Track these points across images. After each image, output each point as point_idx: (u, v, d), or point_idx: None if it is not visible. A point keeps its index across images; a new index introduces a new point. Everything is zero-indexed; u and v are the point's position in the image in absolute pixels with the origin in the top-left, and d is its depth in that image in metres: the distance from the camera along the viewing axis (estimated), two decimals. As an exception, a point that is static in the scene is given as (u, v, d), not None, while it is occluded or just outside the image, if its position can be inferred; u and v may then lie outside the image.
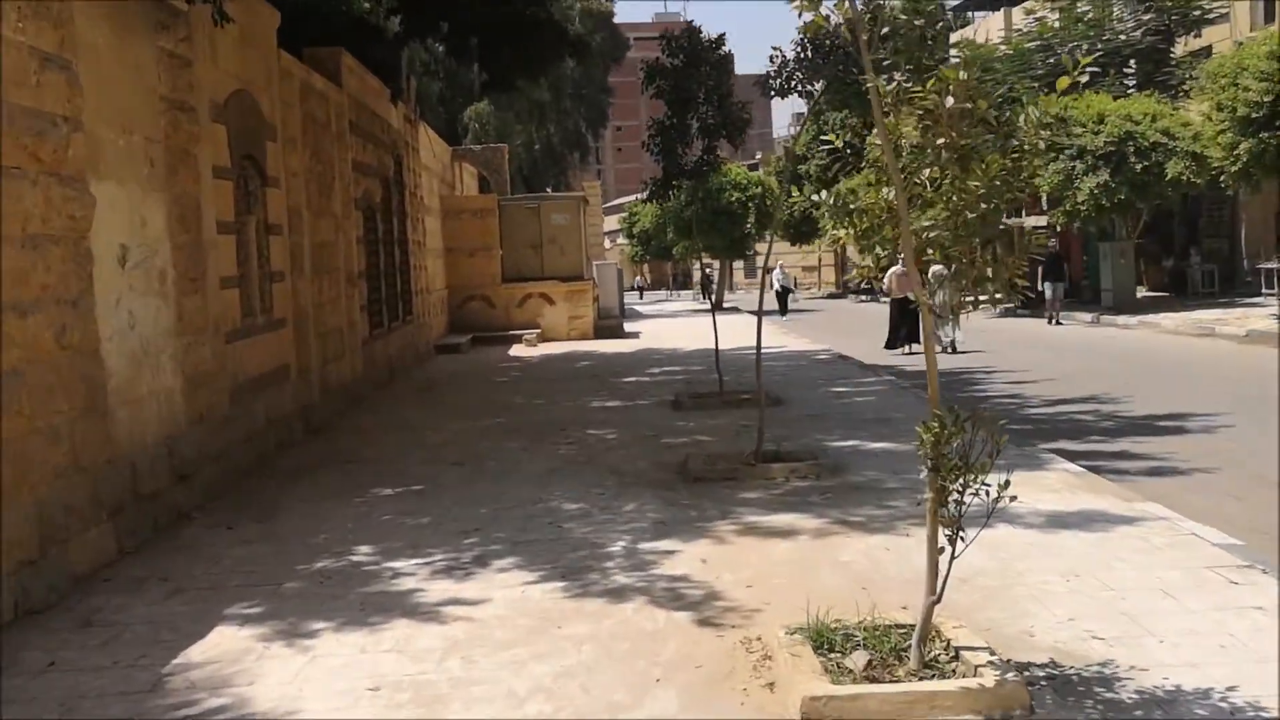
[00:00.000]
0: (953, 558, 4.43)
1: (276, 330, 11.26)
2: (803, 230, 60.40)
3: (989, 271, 4.16)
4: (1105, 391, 13.70)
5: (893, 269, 25.28)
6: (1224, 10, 31.73)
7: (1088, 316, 27.60)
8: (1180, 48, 32.30)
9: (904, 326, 21.02)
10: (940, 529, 4.46)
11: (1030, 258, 4.32)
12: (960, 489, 4.33)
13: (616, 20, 61.53)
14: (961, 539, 4.42)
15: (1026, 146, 4.10)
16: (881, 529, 6.83)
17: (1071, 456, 9.31)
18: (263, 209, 11.04)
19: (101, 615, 5.86)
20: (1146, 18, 31.55)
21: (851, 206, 4.41)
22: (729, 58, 12.01)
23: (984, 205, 4.06)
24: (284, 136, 11.83)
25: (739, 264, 71.30)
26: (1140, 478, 8.79)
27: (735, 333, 27.32)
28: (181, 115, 8.69)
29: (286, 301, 11.64)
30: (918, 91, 4.16)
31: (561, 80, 49.59)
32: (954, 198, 4.11)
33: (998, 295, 4.26)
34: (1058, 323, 26.53)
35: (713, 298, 48.10)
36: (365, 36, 17.88)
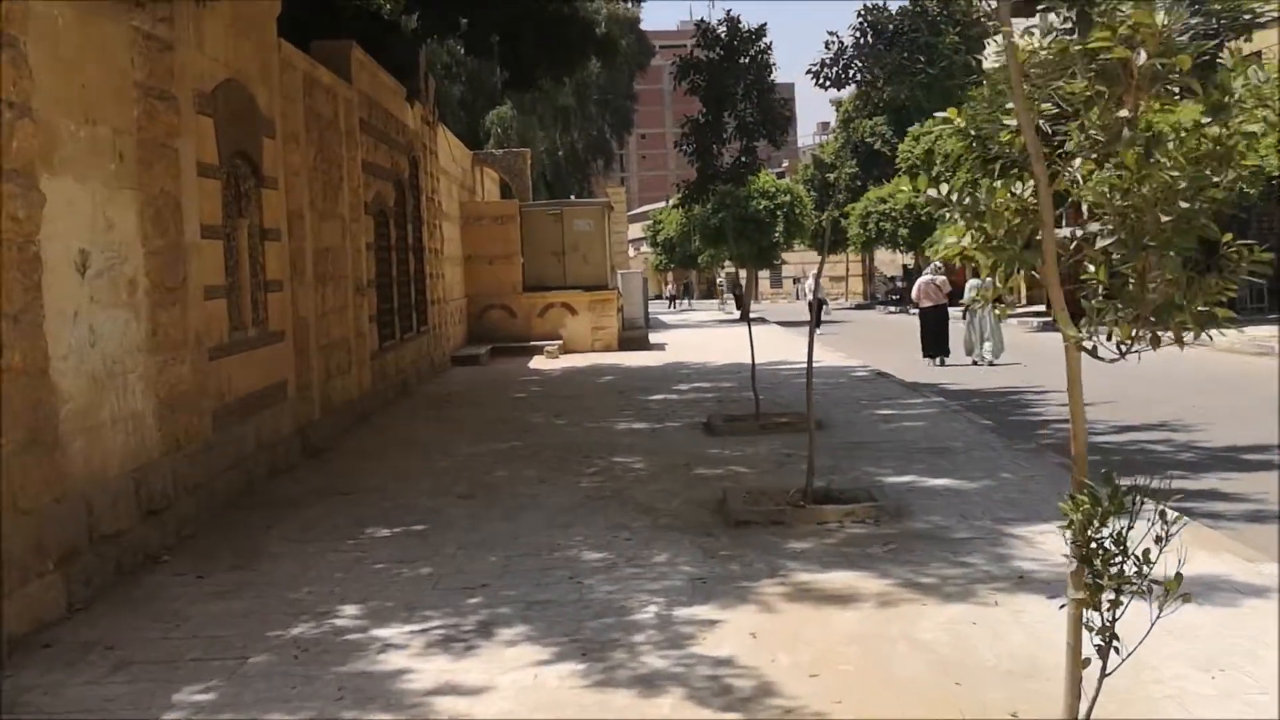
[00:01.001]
0: (1103, 675, 3.35)
1: (272, 344, 10.27)
2: (831, 240, 59.45)
3: (1179, 296, 3.10)
4: (1175, 418, 12.56)
5: (920, 278, 24.10)
6: (1276, 14, 30.49)
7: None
8: (1229, 53, 31.00)
9: (932, 339, 20.28)
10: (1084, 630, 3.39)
11: (1249, 278, 3.27)
12: (1116, 587, 3.24)
13: (642, 27, 60.72)
14: (1116, 650, 3.34)
15: (1238, 124, 3.04)
16: (960, 594, 5.74)
17: (1151, 494, 8.18)
18: (257, 211, 10.06)
19: (28, 699, 4.85)
20: (1194, 21, 30.27)
21: (981, 207, 3.32)
22: (769, 50, 10.95)
23: (1183, 204, 3.01)
24: (284, 133, 10.86)
25: (764, 273, 70.32)
26: (1240, 524, 7.67)
27: (767, 346, 26.19)
28: (159, 104, 7.71)
29: (284, 312, 10.66)
30: (1097, 40, 3.10)
31: (586, 85, 48.63)
32: (1133, 191, 3.05)
33: (1186, 329, 3.20)
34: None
35: (743, 307, 47.15)
36: (381, 33, 16.95)
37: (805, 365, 8.88)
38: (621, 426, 12.57)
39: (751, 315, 45.45)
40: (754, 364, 12.55)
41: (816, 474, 8.14)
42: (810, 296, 29.10)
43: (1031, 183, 3.29)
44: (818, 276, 9.23)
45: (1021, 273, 3.37)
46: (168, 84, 7.86)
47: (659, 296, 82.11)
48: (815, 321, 29.52)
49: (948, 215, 3.36)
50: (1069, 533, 3.30)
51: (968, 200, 3.29)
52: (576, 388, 17.29)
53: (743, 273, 46.42)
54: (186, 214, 8.09)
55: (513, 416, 13.79)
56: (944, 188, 3.41)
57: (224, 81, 9.17)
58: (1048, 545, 6.54)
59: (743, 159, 11.17)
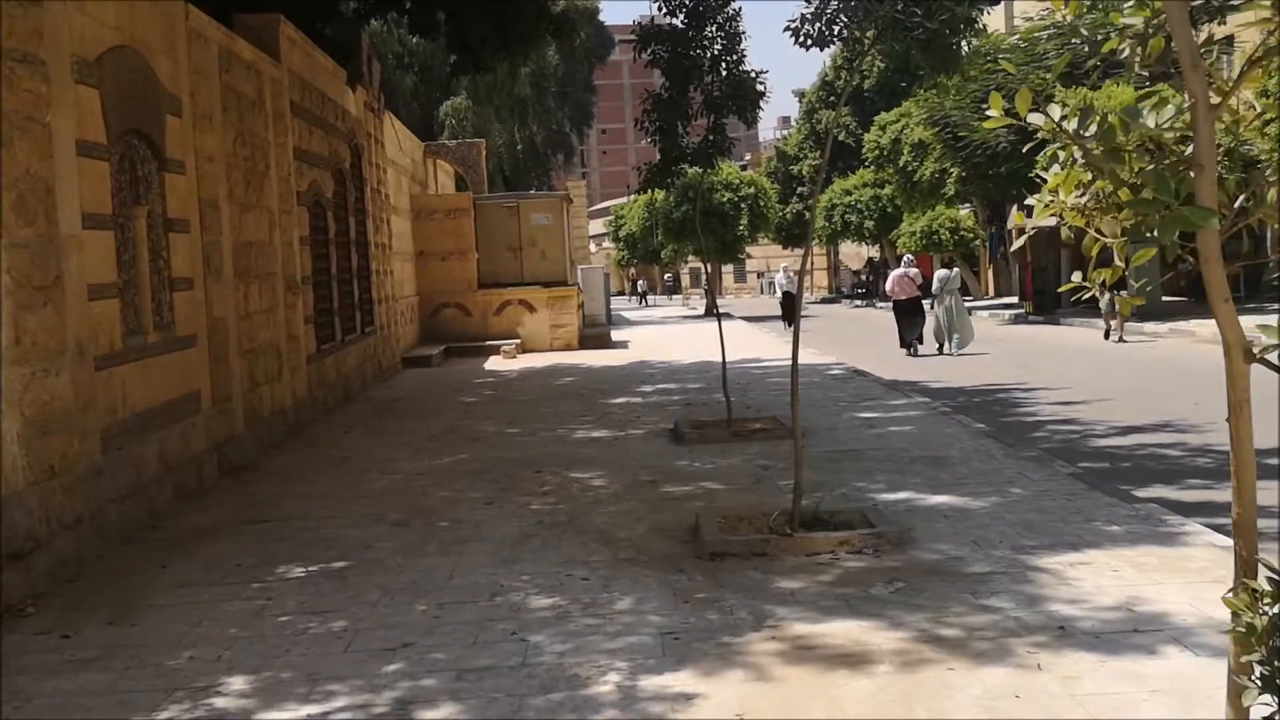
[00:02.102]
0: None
1: (181, 350, 9.05)
2: (795, 233, 58.45)
3: None
4: (1179, 417, 11.59)
5: (894, 271, 23.64)
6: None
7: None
8: (1201, 36, 30.26)
9: (909, 330, 20.59)
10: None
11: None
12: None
13: (602, 18, 59.42)
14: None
15: None
16: (994, 653, 4.65)
17: (1180, 509, 7.19)
18: (160, 199, 8.83)
19: None
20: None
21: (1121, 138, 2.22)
22: (739, 17, 9.86)
23: None
24: (194, 112, 9.63)
25: (727, 268, 69.20)
26: (1286, 543, 6.67)
27: (735, 343, 25.05)
28: (20, 70, 6.49)
29: (196, 314, 9.43)
30: None
31: (544, 76, 47.36)
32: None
33: None
34: (1121, 340, 21.29)
35: (710, 302, 46.14)
36: (317, 11, 15.72)
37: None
38: (580, 435, 11.43)
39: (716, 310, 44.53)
40: (724, 364, 11.47)
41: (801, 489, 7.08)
42: (779, 292, 28.20)
43: (1174, 105, 2.19)
44: (800, 272, 8.10)
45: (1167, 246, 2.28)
46: (34, 46, 6.64)
47: (621, 292, 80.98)
48: (785, 318, 28.26)
49: (1061, 154, 2.26)
50: (1231, 636, 2.19)
51: (1094, 128, 2.18)
52: (533, 391, 16.13)
53: (683, 269, 45.32)
54: (62, 200, 6.87)
55: (462, 425, 12.62)
56: (1055, 110, 2.30)
57: (114, 48, 7.93)
58: (1084, 583, 5.49)
59: (710, 138, 10.06)
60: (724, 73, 9.78)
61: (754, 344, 22.09)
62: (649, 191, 10.61)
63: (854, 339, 25.25)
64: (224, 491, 9.13)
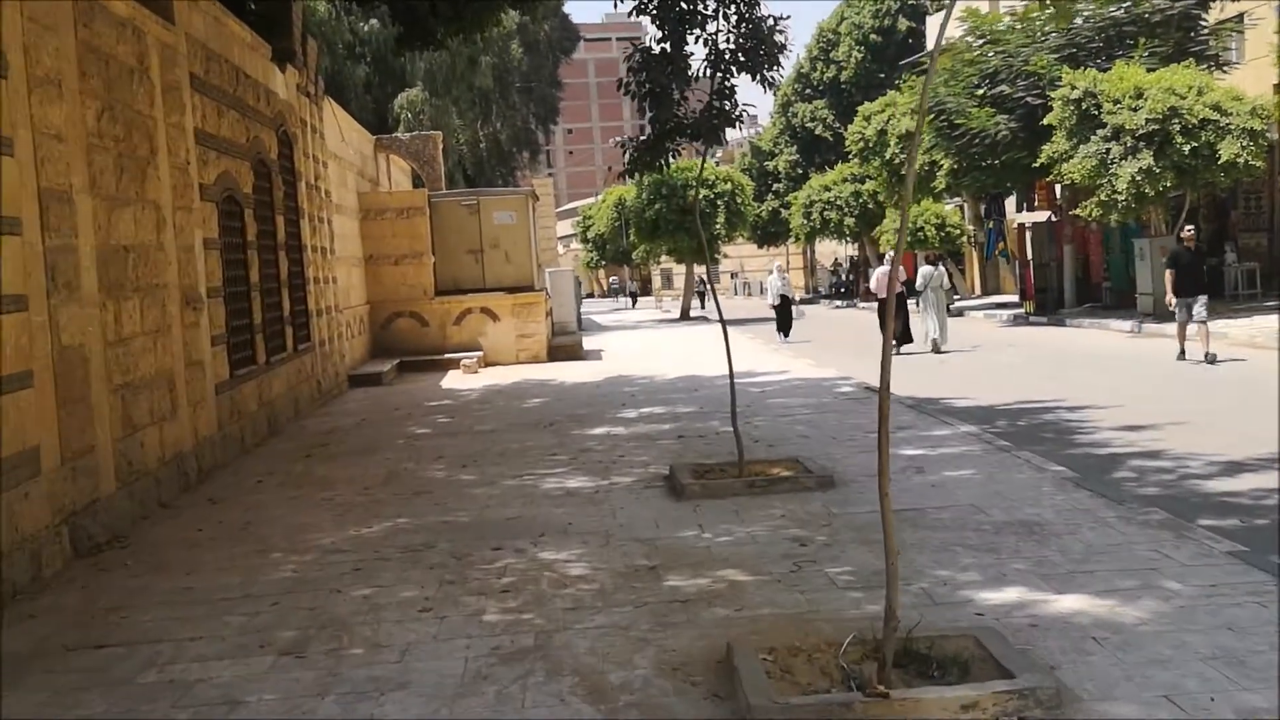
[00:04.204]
0: None
1: (10, 393, 6.63)
2: (770, 231, 56.21)
3: None
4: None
5: (879, 270, 22.12)
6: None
7: (1125, 325, 23.49)
8: (1213, 15, 28.31)
9: (901, 328, 20.26)
10: None
11: None
12: None
13: (565, 9, 57.05)
14: None
15: None
16: None
17: None
18: (-34, 188, 6.43)
19: None
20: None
21: None
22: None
23: None
24: (33, 75, 7.21)
25: (699, 267, 66.73)
26: None
27: (716, 352, 22.74)
28: None
29: (30, 343, 7.00)
30: None
31: (507, 70, 44.93)
32: None
33: None
34: (1210, 357, 15.78)
35: (685, 306, 43.74)
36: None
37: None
38: (551, 484, 9.09)
39: (692, 314, 42.27)
40: (733, 391, 9.14)
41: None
42: (773, 297, 25.60)
43: None
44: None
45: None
46: None
47: (591, 294, 78.53)
48: (783, 329, 25.63)
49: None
50: None
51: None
52: (495, 417, 13.76)
53: (639, 269, 43.12)
54: None
55: (404, 469, 10.24)
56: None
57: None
58: None
59: (716, 106, 7.74)
60: (735, 20, 7.46)
61: (743, 354, 19.79)
62: (634, 175, 8.25)
63: (845, 344, 23.01)
64: (66, 586, 6.71)
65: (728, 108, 7.51)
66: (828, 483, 8.21)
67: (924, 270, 21.22)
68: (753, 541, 6.75)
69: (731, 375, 9.11)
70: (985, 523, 6.90)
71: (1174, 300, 16.38)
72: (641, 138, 7.89)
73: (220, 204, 11.53)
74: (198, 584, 6.57)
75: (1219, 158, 22.13)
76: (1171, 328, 21.93)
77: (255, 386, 12.41)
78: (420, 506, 8.47)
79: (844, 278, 54.16)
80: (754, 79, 7.60)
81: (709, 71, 7.58)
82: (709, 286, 8.34)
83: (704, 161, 8.09)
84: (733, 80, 7.57)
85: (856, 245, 49.58)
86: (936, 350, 19.96)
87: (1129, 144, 22.74)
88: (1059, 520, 6.84)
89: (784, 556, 6.37)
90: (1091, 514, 6.96)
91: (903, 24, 50.94)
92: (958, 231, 39.79)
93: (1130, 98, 23.02)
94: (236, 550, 7.38)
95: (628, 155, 8.02)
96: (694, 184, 37.62)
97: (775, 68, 7.51)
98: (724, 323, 9.19)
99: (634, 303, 60.27)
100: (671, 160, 7.95)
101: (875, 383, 14.91)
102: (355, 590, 6.21)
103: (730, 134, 8.30)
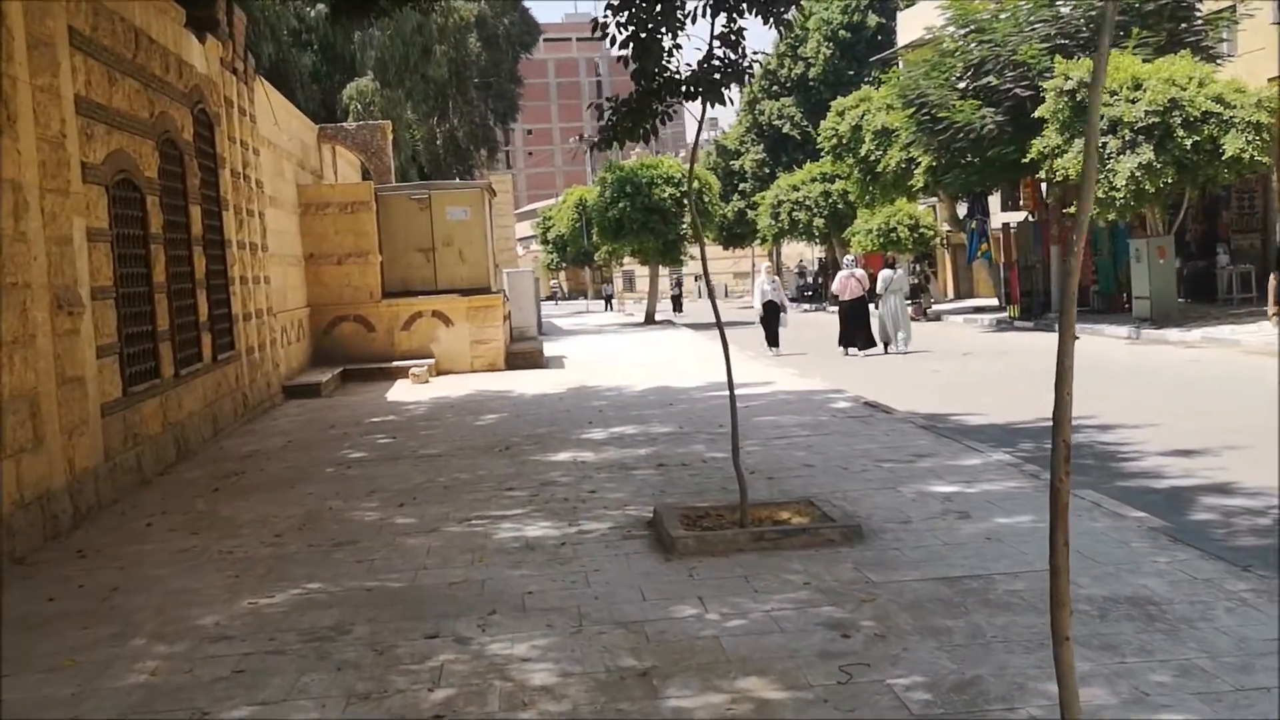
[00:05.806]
0: None
1: None
2: (736, 233, 54.62)
3: None
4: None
5: (841, 273, 20.97)
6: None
7: (1121, 331, 22.06)
8: (1206, 6, 27.03)
9: (857, 333, 20.57)
10: None
11: None
12: None
13: (526, 7, 55.11)
14: None
15: None
16: None
17: None
18: None
19: None
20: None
21: None
22: None
23: None
24: None
25: (663, 270, 64.95)
26: None
27: (687, 360, 21.02)
28: None
29: None
30: None
31: (465, 65, 43.02)
32: None
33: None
34: None
35: (677, 308, 41.97)
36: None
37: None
38: (506, 532, 7.33)
39: (657, 318, 40.45)
40: (734, 417, 7.41)
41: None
42: (766, 298, 23.30)
43: None
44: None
45: None
46: None
47: (551, 297, 76.49)
48: (770, 338, 23.43)
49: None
50: None
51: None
52: (444, 438, 11.96)
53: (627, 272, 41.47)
54: None
55: (327, 509, 8.43)
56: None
57: None
58: None
59: (717, 57, 6.02)
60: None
61: (719, 362, 18.13)
62: (610, 145, 6.51)
63: (824, 351, 21.36)
64: None
65: (734, 57, 5.81)
66: (854, 534, 6.52)
67: (884, 274, 21.40)
68: (776, 629, 5.03)
69: (732, 397, 7.39)
70: (1079, 597, 5.23)
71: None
72: (623, 98, 6.17)
73: (112, 188, 9.68)
74: (8, 698, 4.75)
75: (1223, 152, 20.77)
76: (1174, 335, 20.56)
77: (158, 404, 10.55)
78: (340, 565, 6.69)
79: (812, 280, 52.74)
80: (765, 22, 5.91)
81: (710, 12, 5.89)
82: (711, 290, 6.58)
83: (700, 127, 6.31)
84: (739, 22, 5.89)
85: (825, 247, 48.13)
86: (886, 351, 20.45)
87: (1127, 137, 21.33)
88: (1177, 596, 5.19)
89: (823, 655, 4.66)
90: (1215, 586, 5.32)
91: (872, 20, 49.63)
92: (931, 233, 38.40)
93: (1128, 89, 21.62)
94: (85, 635, 5.56)
95: (605, 118, 6.31)
96: (659, 181, 35.97)
97: (794, 6, 5.83)
98: (721, 327, 7.49)
99: (608, 305, 58.27)
100: (660, 125, 6.22)
101: (871, 397, 13.37)
102: (227, 713, 4.43)
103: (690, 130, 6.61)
